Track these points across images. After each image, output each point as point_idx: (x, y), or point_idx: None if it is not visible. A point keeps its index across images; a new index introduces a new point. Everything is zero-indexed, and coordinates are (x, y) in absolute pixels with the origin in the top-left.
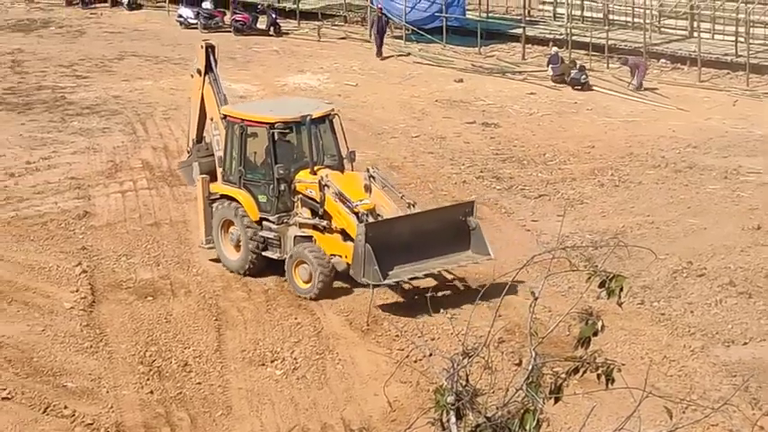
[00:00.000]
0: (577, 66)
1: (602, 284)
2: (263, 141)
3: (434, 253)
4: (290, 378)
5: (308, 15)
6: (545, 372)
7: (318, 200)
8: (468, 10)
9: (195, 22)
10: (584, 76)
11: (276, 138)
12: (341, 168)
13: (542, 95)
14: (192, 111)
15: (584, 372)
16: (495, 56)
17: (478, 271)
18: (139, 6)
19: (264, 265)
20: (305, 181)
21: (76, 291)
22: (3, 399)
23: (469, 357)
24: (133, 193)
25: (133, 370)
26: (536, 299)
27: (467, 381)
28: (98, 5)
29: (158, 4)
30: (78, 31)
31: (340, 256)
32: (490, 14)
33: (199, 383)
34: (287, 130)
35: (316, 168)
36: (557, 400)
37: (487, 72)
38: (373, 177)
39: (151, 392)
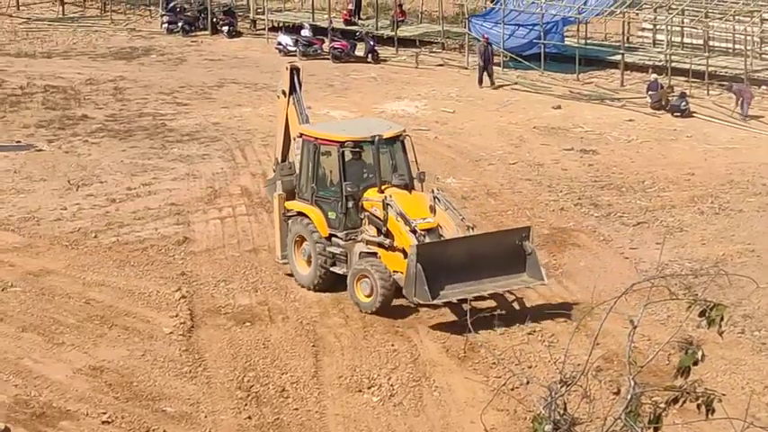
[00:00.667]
0: (677, 92)
1: (702, 313)
2: (334, 159)
3: (488, 275)
4: (386, 405)
5: (406, 42)
6: (644, 401)
7: (382, 218)
8: (567, 36)
9: (294, 49)
10: (684, 103)
11: (346, 156)
12: (410, 188)
13: (641, 122)
14: (277, 131)
15: (684, 401)
16: (593, 82)
17: (577, 299)
18: (239, 34)
19: (333, 281)
20: (371, 199)
21: (176, 316)
22: (103, 423)
23: (567, 386)
24: (232, 219)
25: (231, 395)
26: (635, 327)
27: (564, 409)
28: (198, 33)
29: (258, 32)
30: (179, 58)
31: (401, 273)
32: (588, 41)
33: (296, 409)
34: (357, 149)
35: (383, 187)
36: (656, 429)
37: (586, 99)
38: (438, 199)
39: (249, 418)
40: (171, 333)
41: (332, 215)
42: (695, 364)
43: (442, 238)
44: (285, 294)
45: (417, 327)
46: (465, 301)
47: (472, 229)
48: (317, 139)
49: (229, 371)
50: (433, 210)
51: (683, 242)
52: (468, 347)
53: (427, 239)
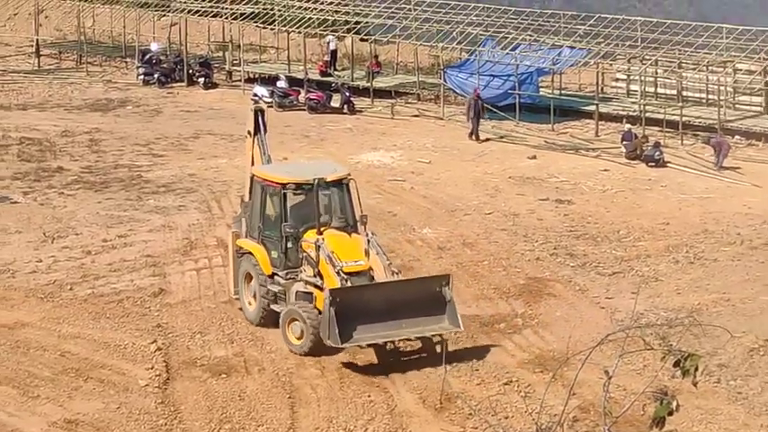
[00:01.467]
0: (652, 142)
1: (676, 364)
2: (278, 200)
3: (404, 321)
4: None
5: (381, 93)
6: None
7: (315, 259)
8: (541, 87)
9: (270, 100)
10: (658, 153)
11: (288, 197)
12: (350, 231)
13: (616, 172)
14: (246, 169)
15: None
16: (568, 132)
17: (552, 348)
18: (215, 85)
19: (276, 318)
20: (309, 240)
21: (151, 368)
22: None
23: None
24: (208, 270)
25: None
26: (610, 378)
27: None
28: (174, 85)
29: (234, 83)
30: (155, 110)
31: None
32: (563, 91)
33: None
34: (298, 191)
35: (323, 229)
36: None
37: (561, 149)
38: (369, 242)
39: None
40: (146, 385)
41: (274, 254)
42: (670, 414)
43: (370, 282)
44: (261, 346)
45: (394, 377)
46: (385, 344)
47: (397, 274)
48: (264, 179)
49: (205, 423)
50: (367, 253)
51: (658, 291)
52: (445, 398)
53: (349, 283)
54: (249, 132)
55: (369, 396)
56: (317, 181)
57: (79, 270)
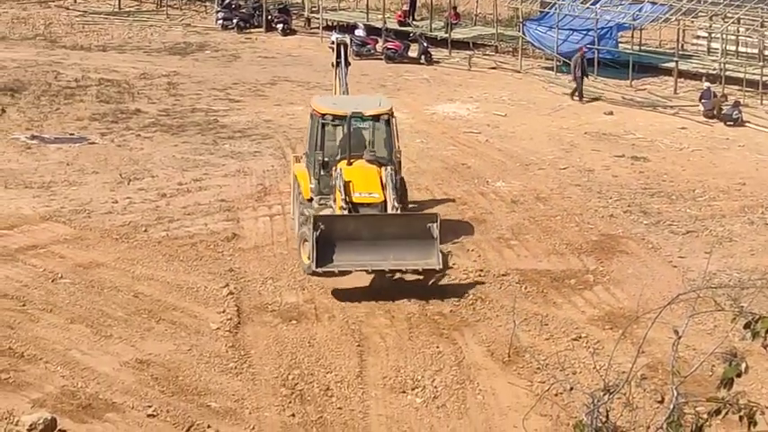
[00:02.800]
0: (731, 101)
1: (747, 326)
2: (318, 130)
3: (388, 253)
4: (430, 407)
5: (459, 45)
6: (687, 411)
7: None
8: (621, 42)
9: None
10: (736, 112)
11: (325, 127)
12: (381, 164)
13: (693, 131)
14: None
15: (727, 413)
16: (646, 89)
17: (623, 306)
18: (293, 32)
19: None
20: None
21: (223, 312)
22: (148, 416)
23: (611, 393)
24: (281, 216)
25: (276, 392)
26: (679, 337)
27: (607, 417)
28: (253, 30)
29: (312, 31)
30: (233, 55)
31: None
32: (643, 47)
33: (340, 408)
34: (335, 122)
35: (352, 160)
36: None
37: (638, 105)
38: (389, 177)
39: (293, 415)
40: (218, 329)
41: (312, 181)
42: (738, 375)
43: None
44: (332, 293)
45: (463, 329)
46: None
47: (397, 210)
48: (312, 109)
49: (274, 368)
50: (384, 187)
51: (731, 252)
52: (513, 352)
53: (346, 212)
54: (332, 64)
55: (437, 347)
56: (351, 114)
57: (154, 212)
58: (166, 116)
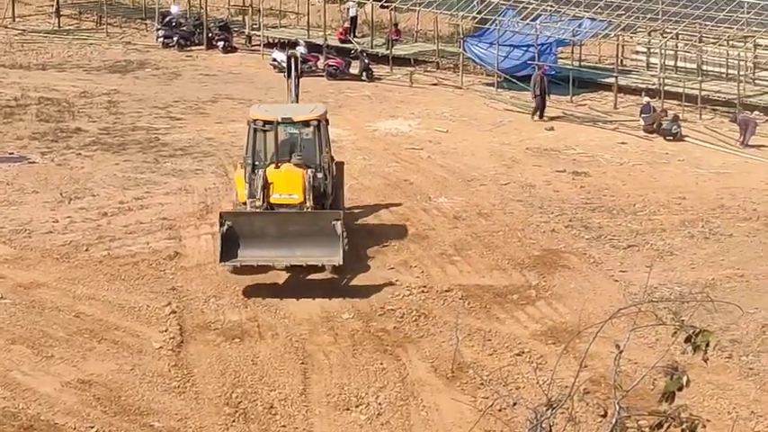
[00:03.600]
0: (670, 116)
1: (688, 339)
2: (251, 135)
3: (293, 249)
4: (374, 423)
5: (400, 61)
6: (629, 425)
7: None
8: (561, 58)
9: None
10: (675, 127)
11: (256, 133)
12: (306, 167)
13: (633, 145)
14: None
15: (669, 426)
16: (586, 104)
17: (565, 321)
18: (234, 49)
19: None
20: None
21: (165, 331)
22: None
23: (554, 408)
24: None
25: (219, 411)
26: (621, 351)
27: None
28: (194, 48)
29: (253, 48)
30: (174, 73)
31: None
32: (582, 63)
33: (284, 426)
34: (265, 128)
35: (280, 163)
36: None
37: (579, 121)
38: (309, 181)
39: None
40: (160, 348)
41: (245, 185)
42: (680, 389)
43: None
44: (275, 311)
45: (406, 346)
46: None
47: (307, 209)
48: (251, 117)
49: (218, 387)
50: (305, 190)
51: (672, 266)
52: (457, 367)
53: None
54: (284, 76)
55: (381, 364)
56: (280, 119)
57: (95, 231)
58: (107, 134)
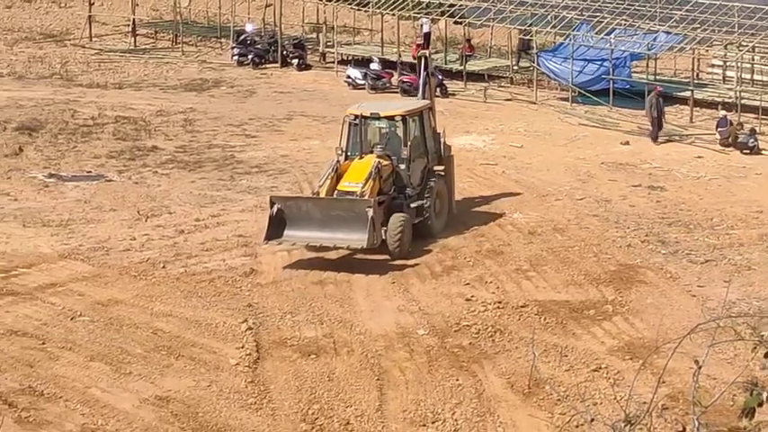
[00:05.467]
0: (747, 129)
1: (767, 355)
2: (345, 128)
3: (331, 232)
4: None
5: (474, 77)
6: None
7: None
8: (636, 72)
9: (363, 82)
10: (752, 140)
11: (350, 127)
12: (387, 159)
13: (710, 159)
14: None
15: None
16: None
17: (642, 336)
18: (309, 67)
19: None
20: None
21: (242, 347)
22: None
23: (632, 425)
24: (298, 251)
25: (296, 428)
26: (700, 367)
27: None
28: (268, 66)
29: (327, 65)
30: (249, 90)
31: None
32: (658, 77)
33: None
34: (356, 122)
35: (363, 155)
36: None
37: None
38: (375, 170)
39: None
40: (237, 364)
41: None
42: (760, 405)
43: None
44: (351, 327)
45: (482, 362)
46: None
47: (358, 197)
48: (347, 112)
49: (294, 403)
50: (367, 180)
51: (750, 281)
52: (533, 384)
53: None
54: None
55: (457, 380)
56: (367, 114)
57: (172, 249)
58: (183, 152)
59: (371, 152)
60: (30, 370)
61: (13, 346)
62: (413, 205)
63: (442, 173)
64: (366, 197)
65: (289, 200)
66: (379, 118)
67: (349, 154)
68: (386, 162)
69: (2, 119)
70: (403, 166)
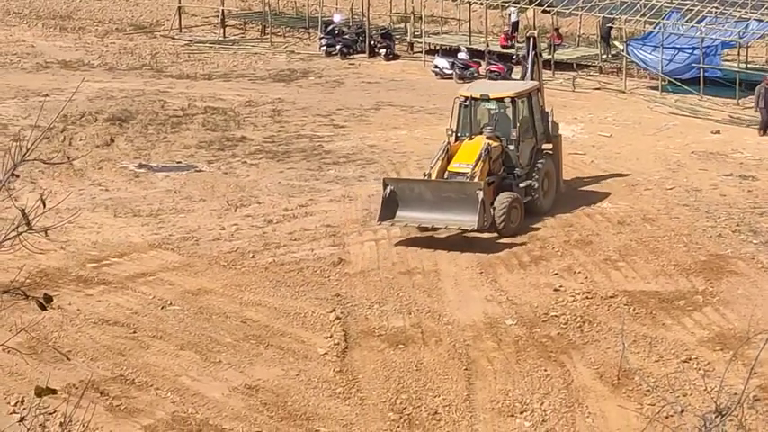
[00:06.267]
0: None
1: None
2: (456, 109)
3: (442, 213)
4: (539, 430)
5: (562, 66)
6: None
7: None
8: (727, 60)
9: (451, 72)
10: None
11: (461, 108)
12: (497, 140)
13: None
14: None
15: None
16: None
17: (733, 327)
18: (396, 57)
19: None
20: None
21: (330, 337)
22: None
23: (723, 416)
24: (386, 241)
25: (384, 417)
26: None
27: None
28: (356, 56)
29: (415, 55)
30: (336, 81)
31: None
32: (749, 65)
33: None
34: (465, 103)
35: (473, 135)
36: None
37: (746, 124)
38: (487, 152)
39: None
40: (325, 354)
41: None
42: None
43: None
44: (438, 317)
45: (570, 352)
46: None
47: (469, 178)
48: (458, 94)
49: (382, 392)
50: (477, 161)
51: None
52: (622, 374)
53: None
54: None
55: (545, 370)
56: (477, 96)
57: (261, 238)
58: (272, 143)
59: (481, 133)
60: (121, 358)
61: (104, 335)
62: (522, 185)
63: (551, 152)
64: (476, 179)
65: (401, 182)
66: (488, 99)
67: (459, 135)
68: (495, 143)
69: (93, 110)
70: (512, 147)
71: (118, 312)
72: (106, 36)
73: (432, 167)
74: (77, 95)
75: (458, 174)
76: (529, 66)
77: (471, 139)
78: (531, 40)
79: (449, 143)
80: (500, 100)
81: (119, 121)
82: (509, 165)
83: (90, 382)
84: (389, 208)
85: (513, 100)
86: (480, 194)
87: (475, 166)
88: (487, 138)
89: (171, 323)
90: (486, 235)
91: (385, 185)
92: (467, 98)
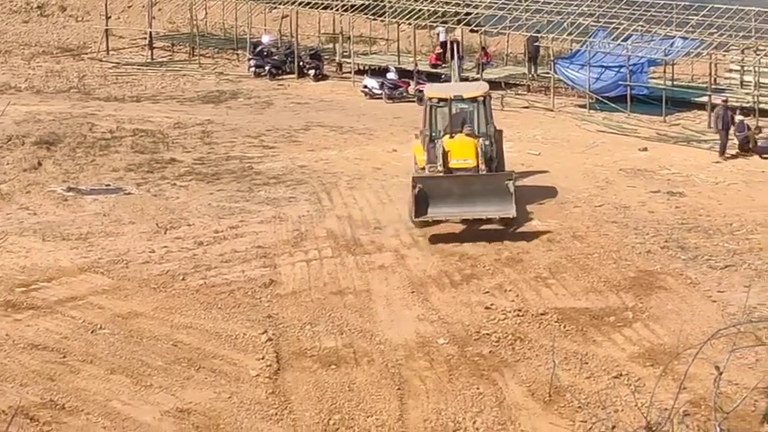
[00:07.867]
0: (765, 134)
1: None
2: (428, 110)
3: (473, 205)
4: None
5: (491, 84)
6: None
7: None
8: (653, 78)
9: (380, 92)
10: None
11: (432, 109)
12: (477, 137)
13: (728, 164)
14: None
15: None
16: (680, 124)
17: (663, 342)
18: (325, 77)
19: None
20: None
21: (262, 358)
22: None
23: (653, 431)
24: (318, 261)
25: None
26: (721, 373)
27: None
28: (285, 77)
29: (344, 75)
30: (266, 102)
31: None
32: (675, 82)
33: None
34: (440, 104)
35: (453, 134)
36: None
37: (672, 141)
38: (481, 148)
39: None
40: (257, 375)
41: (424, 153)
42: None
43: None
44: (370, 337)
45: (502, 370)
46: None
47: (481, 172)
48: (426, 96)
49: (315, 413)
50: (478, 156)
51: None
52: (554, 391)
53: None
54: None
55: (477, 388)
56: (453, 96)
57: (191, 261)
58: (201, 164)
59: (461, 131)
60: (51, 383)
61: (33, 360)
62: None
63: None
64: (483, 172)
65: (429, 179)
66: (462, 99)
67: (433, 135)
68: (477, 140)
69: (20, 133)
70: (488, 142)
71: (47, 337)
72: (33, 59)
73: (440, 165)
74: (4, 119)
75: (461, 169)
76: (455, 68)
77: (452, 137)
78: (456, 44)
79: (440, 142)
80: (473, 99)
81: (46, 144)
82: (487, 158)
83: (19, 408)
84: (421, 205)
85: (483, 99)
86: (511, 185)
87: (478, 161)
88: (466, 134)
89: (101, 347)
90: (416, 253)
91: (414, 184)
92: (440, 99)
